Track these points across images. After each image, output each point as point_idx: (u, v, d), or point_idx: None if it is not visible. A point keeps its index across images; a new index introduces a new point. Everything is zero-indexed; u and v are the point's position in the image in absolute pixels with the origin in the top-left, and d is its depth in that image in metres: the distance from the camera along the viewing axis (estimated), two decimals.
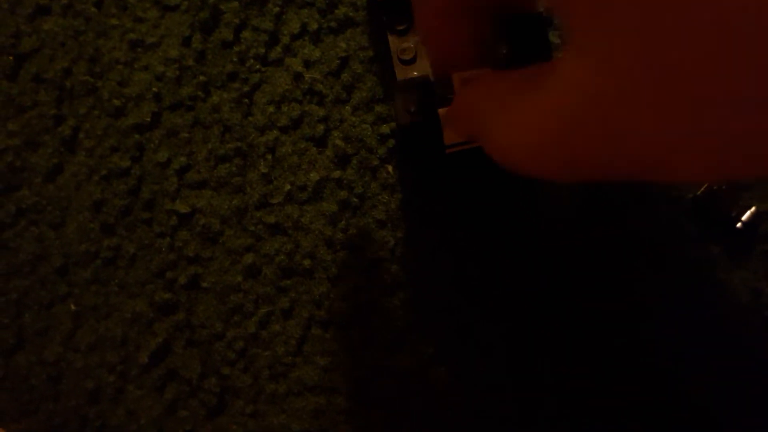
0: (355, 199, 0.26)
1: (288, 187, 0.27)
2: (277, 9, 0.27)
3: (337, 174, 0.27)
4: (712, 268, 0.24)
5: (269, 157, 0.27)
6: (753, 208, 0.24)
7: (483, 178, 0.25)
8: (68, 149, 0.29)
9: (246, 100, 0.27)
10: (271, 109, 0.27)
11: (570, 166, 0.14)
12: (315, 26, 0.27)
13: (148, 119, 0.28)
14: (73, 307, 0.28)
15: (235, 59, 0.28)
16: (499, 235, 0.25)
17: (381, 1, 0.23)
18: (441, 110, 0.21)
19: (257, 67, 0.27)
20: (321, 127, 0.27)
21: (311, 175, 0.27)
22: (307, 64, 0.27)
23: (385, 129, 0.27)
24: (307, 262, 0.26)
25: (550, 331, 0.25)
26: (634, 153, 0.12)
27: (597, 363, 0.24)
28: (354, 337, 0.26)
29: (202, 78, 0.28)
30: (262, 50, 0.27)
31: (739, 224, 0.24)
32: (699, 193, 0.24)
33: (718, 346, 0.24)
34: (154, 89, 0.28)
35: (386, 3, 0.23)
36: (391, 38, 0.23)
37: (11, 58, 0.29)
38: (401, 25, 0.23)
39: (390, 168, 0.27)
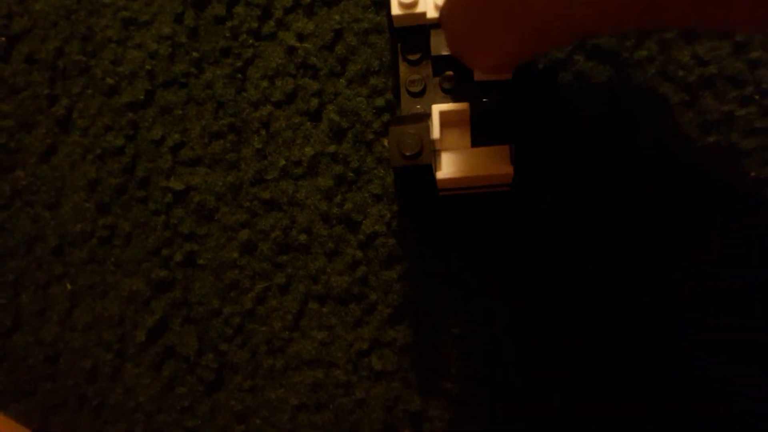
0: (350, 174, 0.26)
1: (283, 162, 0.27)
2: None
3: (332, 148, 0.26)
4: (713, 239, 0.24)
5: (263, 132, 0.27)
6: (752, 174, 0.24)
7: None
8: (62, 129, 0.28)
9: (239, 76, 0.27)
10: (265, 83, 0.27)
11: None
12: None
13: (142, 97, 0.28)
14: (69, 286, 0.28)
15: (227, 34, 0.27)
16: (499, 206, 0.25)
17: (398, 27, 0.23)
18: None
19: (250, 41, 0.27)
20: (315, 101, 0.27)
21: (306, 149, 0.27)
22: (301, 37, 0.27)
23: (380, 102, 0.26)
24: (303, 238, 0.26)
25: (553, 298, 0.25)
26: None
27: (601, 328, 0.24)
28: (351, 311, 0.26)
29: (194, 54, 0.28)
30: (255, 25, 0.27)
31: None
32: (695, 161, 0.24)
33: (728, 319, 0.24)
34: (147, 67, 0.28)
35: (403, 30, 0.22)
36: (402, 66, 0.23)
37: (3, 39, 0.29)
38: (415, 54, 0.22)
39: (385, 141, 0.26)
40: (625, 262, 0.24)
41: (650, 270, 0.24)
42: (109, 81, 0.28)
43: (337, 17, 0.27)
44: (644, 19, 0.14)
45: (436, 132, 0.21)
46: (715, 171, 0.24)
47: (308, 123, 0.27)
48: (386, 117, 0.26)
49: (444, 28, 0.19)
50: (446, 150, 0.21)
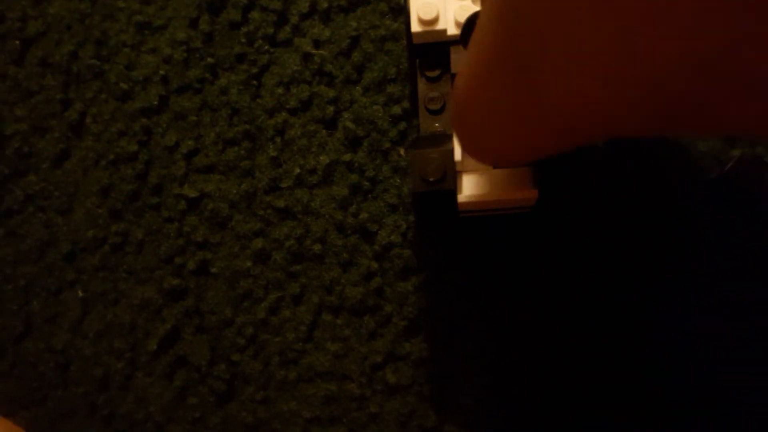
0: (366, 183, 0.26)
1: (297, 170, 0.26)
2: None
3: (347, 157, 0.26)
4: (735, 253, 0.23)
5: (278, 140, 0.27)
6: None
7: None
8: (75, 134, 0.28)
9: (254, 82, 0.27)
10: (280, 90, 0.27)
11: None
12: (325, 5, 0.27)
13: (156, 102, 0.27)
14: (81, 293, 0.27)
15: (243, 40, 0.27)
16: (516, 218, 0.25)
17: (417, 44, 0.22)
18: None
19: (266, 47, 0.27)
20: (331, 109, 0.26)
21: (321, 158, 0.26)
22: (317, 44, 0.27)
23: (396, 110, 0.26)
24: (317, 247, 0.26)
25: (571, 311, 0.24)
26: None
27: (611, 345, 0.24)
28: (366, 323, 0.25)
29: (209, 60, 0.27)
30: (271, 30, 0.27)
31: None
32: (720, 173, 0.24)
33: (744, 340, 0.23)
34: (162, 72, 0.28)
35: (422, 47, 0.22)
36: (421, 83, 0.22)
37: (18, 42, 0.29)
38: (434, 71, 0.22)
39: (401, 150, 0.26)
40: (638, 275, 0.24)
41: (664, 285, 0.24)
42: (123, 86, 0.28)
43: (354, 24, 0.26)
44: (690, 125, 0.12)
45: (458, 154, 0.20)
46: (739, 185, 0.24)
47: (323, 131, 0.26)
48: (403, 125, 0.26)
49: (456, 123, 0.17)
50: (467, 172, 0.21)
